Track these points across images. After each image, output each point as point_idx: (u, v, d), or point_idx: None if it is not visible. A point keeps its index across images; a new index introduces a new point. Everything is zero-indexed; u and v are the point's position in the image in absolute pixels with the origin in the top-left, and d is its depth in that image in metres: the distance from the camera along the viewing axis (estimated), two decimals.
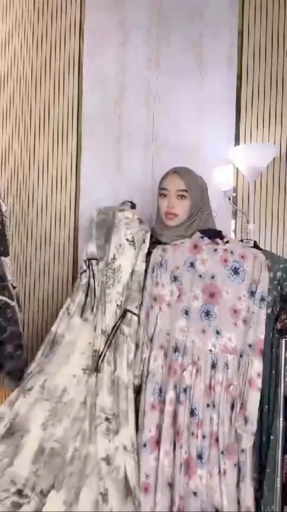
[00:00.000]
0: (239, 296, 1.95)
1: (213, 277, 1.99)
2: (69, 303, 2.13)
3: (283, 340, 2.21)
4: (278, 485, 2.14)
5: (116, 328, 2.06)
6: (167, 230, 2.20)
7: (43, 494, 1.66)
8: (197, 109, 2.90)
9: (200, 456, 1.83)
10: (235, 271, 1.98)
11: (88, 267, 2.13)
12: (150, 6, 2.92)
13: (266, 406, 2.27)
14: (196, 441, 1.84)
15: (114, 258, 2.15)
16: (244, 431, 1.84)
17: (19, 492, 1.66)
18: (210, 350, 1.92)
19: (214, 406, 1.88)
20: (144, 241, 2.15)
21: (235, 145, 2.84)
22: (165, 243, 2.15)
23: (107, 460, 1.79)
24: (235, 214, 2.83)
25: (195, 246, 2.08)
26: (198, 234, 2.11)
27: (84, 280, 2.14)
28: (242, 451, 1.87)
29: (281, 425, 2.17)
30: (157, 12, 2.92)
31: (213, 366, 1.90)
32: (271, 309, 2.32)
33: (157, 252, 2.11)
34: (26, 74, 2.94)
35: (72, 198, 2.94)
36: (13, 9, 2.92)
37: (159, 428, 1.90)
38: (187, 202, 2.18)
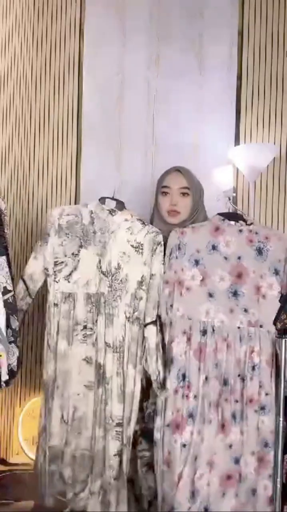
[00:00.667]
0: (261, 274, 2.01)
1: (239, 258, 2.01)
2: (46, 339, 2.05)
3: (283, 340, 2.21)
4: (278, 485, 2.14)
5: (124, 339, 2.00)
6: (167, 229, 2.12)
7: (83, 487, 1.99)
8: (197, 109, 2.90)
9: (234, 416, 1.98)
10: (259, 251, 2.01)
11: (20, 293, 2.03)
12: (150, 6, 2.92)
13: None
14: (229, 405, 1.98)
15: (119, 268, 1.96)
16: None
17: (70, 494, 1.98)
18: (238, 327, 2.00)
19: (243, 375, 2.01)
20: (159, 244, 1.98)
21: (235, 145, 2.84)
22: (164, 243, 2.10)
23: (119, 455, 1.99)
24: None
25: (217, 228, 2.04)
26: (218, 216, 2.07)
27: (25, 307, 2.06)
28: (267, 394, 2.01)
29: (281, 425, 2.17)
30: (157, 12, 2.92)
31: (240, 340, 2.00)
32: None
33: (174, 235, 2.05)
34: (26, 74, 2.94)
35: (72, 198, 2.94)
36: (13, 9, 2.91)
37: (180, 411, 1.98)
38: (189, 200, 2.17)
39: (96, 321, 1.97)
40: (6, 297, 2.00)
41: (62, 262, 1.97)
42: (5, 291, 2.00)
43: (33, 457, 2.72)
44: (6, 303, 1.99)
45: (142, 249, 1.97)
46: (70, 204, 2.94)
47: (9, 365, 1.95)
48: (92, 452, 1.99)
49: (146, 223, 2.03)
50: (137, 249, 1.97)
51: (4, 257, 2.02)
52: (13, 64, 2.89)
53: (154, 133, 2.92)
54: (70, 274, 1.97)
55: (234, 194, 2.83)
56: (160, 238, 1.99)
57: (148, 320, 1.98)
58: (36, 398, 2.82)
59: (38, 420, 2.09)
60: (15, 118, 2.94)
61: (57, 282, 1.97)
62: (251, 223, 2.08)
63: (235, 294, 2.01)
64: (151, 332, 1.98)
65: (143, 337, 1.99)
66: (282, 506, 2.16)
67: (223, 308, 2.00)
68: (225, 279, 2.01)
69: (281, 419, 2.19)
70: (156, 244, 1.98)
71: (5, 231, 2.11)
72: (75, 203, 2.93)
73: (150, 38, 2.92)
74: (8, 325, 1.98)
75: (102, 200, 2.01)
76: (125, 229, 1.98)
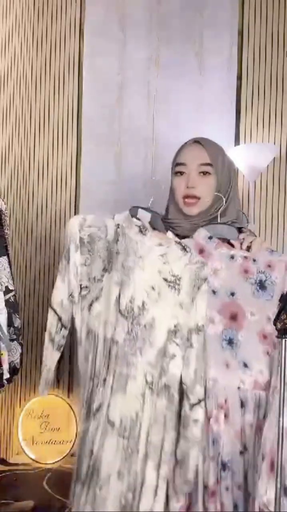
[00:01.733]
0: (268, 317, 1.47)
1: (232, 294, 1.47)
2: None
3: (283, 340, 2.21)
4: (278, 485, 2.14)
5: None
6: (185, 220, 1.59)
7: None
8: (197, 109, 2.90)
9: (235, 506, 1.45)
10: (261, 285, 1.48)
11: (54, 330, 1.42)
12: (150, 6, 2.92)
13: None
14: (231, 494, 1.45)
15: (143, 308, 1.36)
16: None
17: None
18: (239, 388, 1.45)
19: (246, 449, 1.45)
20: (205, 280, 1.40)
21: (235, 145, 2.84)
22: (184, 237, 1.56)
23: None
24: None
25: (201, 251, 1.50)
26: (203, 232, 1.52)
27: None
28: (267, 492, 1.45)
29: (281, 425, 2.17)
30: (157, 12, 2.92)
31: (242, 405, 1.44)
32: None
33: None
34: (26, 74, 2.94)
35: (72, 198, 2.94)
36: (13, 9, 2.91)
37: (189, 495, 1.45)
38: (212, 181, 1.59)
39: (104, 380, 1.35)
40: (8, 296, 2.05)
41: (86, 287, 1.43)
42: (7, 291, 2.04)
43: (33, 457, 2.74)
44: (8, 302, 2.03)
45: (179, 284, 1.38)
46: (69, 204, 2.94)
47: (12, 362, 1.98)
48: None
49: (188, 249, 1.42)
50: (171, 284, 1.38)
51: (5, 257, 2.06)
52: (13, 64, 2.89)
53: (154, 133, 2.92)
54: (91, 304, 1.42)
55: None
56: (206, 272, 1.41)
57: (194, 398, 1.34)
58: (36, 398, 2.82)
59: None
60: (15, 118, 2.94)
61: (82, 310, 1.43)
62: (248, 247, 1.50)
63: (230, 342, 1.48)
64: (199, 416, 1.33)
65: (180, 420, 1.33)
66: None
67: (215, 360, 1.46)
68: (215, 321, 1.47)
69: (281, 419, 2.18)
70: (201, 280, 1.39)
71: (5, 231, 2.13)
72: (75, 203, 2.92)
73: (150, 38, 2.92)
74: (10, 324, 2.01)
75: (134, 210, 1.48)
76: (158, 255, 1.40)
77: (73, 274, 1.43)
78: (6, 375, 1.95)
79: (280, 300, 2.02)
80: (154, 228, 1.49)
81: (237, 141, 2.86)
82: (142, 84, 2.92)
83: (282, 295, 2.24)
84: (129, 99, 2.93)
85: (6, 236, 2.15)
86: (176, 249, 1.40)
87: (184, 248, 1.41)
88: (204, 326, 1.38)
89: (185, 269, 1.38)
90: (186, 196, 1.58)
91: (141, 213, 1.48)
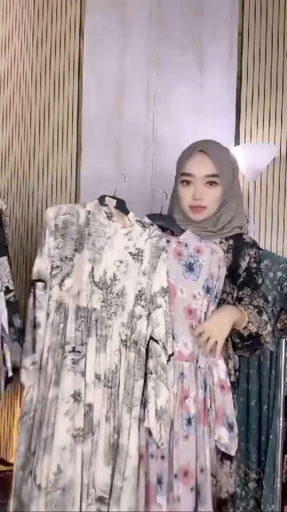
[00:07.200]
0: (194, 294, 1.65)
1: (167, 272, 1.66)
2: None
3: (283, 340, 2.22)
4: (278, 484, 2.15)
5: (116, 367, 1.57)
6: (189, 223, 1.78)
7: None
8: (197, 109, 2.90)
9: (159, 481, 1.56)
10: (190, 266, 1.68)
11: (30, 292, 1.63)
12: (150, 6, 2.92)
13: (266, 406, 2.28)
14: (155, 464, 1.57)
15: (115, 279, 1.62)
16: (232, 438, 1.61)
17: None
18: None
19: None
20: (164, 249, 1.64)
21: (235, 145, 2.84)
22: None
23: None
24: None
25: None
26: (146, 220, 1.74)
27: (31, 315, 1.62)
28: (201, 470, 1.56)
29: (281, 425, 2.17)
30: (157, 12, 2.92)
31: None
32: (271, 309, 2.32)
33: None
34: (26, 74, 2.94)
35: (72, 198, 2.94)
36: (13, 10, 2.92)
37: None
38: (218, 191, 1.74)
39: (85, 343, 1.57)
40: (8, 296, 2.04)
41: (58, 267, 1.65)
42: (7, 291, 2.04)
43: None
44: (8, 303, 2.02)
45: (141, 256, 1.64)
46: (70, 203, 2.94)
47: (14, 362, 1.98)
48: None
49: (146, 225, 1.68)
50: (135, 257, 1.64)
51: (5, 257, 2.05)
52: (13, 64, 2.89)
53: (154, 133, 2.92)
54: (63, 280, 1.63)
55: None
56: (163, 243, 1.65)
57: (170, 349, 1.60)
58: None
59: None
60: (15, 118, 2.94)
61: (51, 288, 1.63)
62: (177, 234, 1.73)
63: None
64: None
65: (145, 369, 1.58)
66: (282, 506, 2.17)
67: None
68: None
69: (281, 419, 2.19)
70: (159, 250, 1.65)
71: (6, 231, 2.13)
72: (75, 203, 2.92)
73: (150, 38, 2.92)
74: (11, 324, 2.01)
75: (102, 198, 1.71)
76: (123, 234, 1.65)
77: (46, 257, 1.67)
78: (10, 374, 1.96)
79: (280, 300, 2.03)
80: (166, 229, 1.75)
81: (237, 141, 2.86)
82: (142, 84, 2.92)
83: (281, 295, 2.23)
84: (129, 99, 2.93)
85: (6, 236, 2.15)
86: (137, 227, 1.66)
87: (143, 225, 1.67)
88: (168, 287, 1.62)
89: (146, 243, 1.65)
90: (194, 206, 1.74)
91: (107, 199, 1.70)
